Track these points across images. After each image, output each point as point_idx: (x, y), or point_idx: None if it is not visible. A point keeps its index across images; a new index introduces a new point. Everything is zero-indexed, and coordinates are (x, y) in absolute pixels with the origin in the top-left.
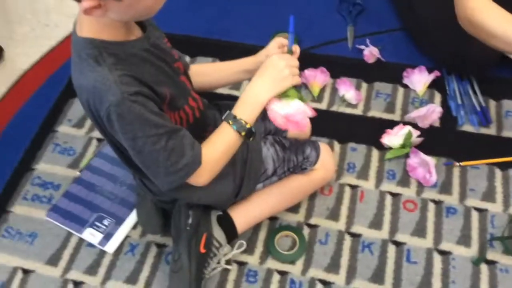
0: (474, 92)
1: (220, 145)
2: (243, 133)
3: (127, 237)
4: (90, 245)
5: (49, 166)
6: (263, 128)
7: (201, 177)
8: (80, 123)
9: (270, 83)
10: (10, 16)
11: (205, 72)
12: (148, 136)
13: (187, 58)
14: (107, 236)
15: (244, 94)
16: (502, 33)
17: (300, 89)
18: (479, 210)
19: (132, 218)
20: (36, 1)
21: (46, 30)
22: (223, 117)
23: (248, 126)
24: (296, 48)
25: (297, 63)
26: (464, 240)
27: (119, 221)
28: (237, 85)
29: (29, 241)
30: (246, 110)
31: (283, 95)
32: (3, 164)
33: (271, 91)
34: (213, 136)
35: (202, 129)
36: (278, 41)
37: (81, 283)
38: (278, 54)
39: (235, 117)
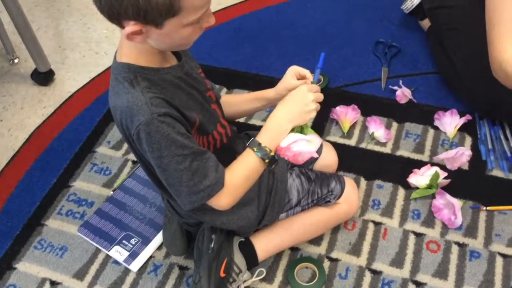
0: (506, 138)
1: (243, 171)
2: (266, 161)
3: (151, 257)
4: (116, 262)
5: (85, 184)
6: None
7: (223, 200)
8: (118, 145)
9: (295, 114)
10: (64, 43)
11: (233, 102)
12: (174, 156)
13: (224, 90)
14: (133, 255)
15: (268, 121)
16: None
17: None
18: (504, 256)
19: (158, 239)
20: (90, 31)
21: (96, 58)
22: (247, 144)
23: (272, 154)
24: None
25: (322, 98)
26: (487, 285)
27: (146, 241)
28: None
29: (59, 254)
30: (269, 138)
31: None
32: (43, 179)
33: (294, 121)
34: (237, 161)
35: (230, 155)
36: (294, 71)
37: None
38: (308, 85)
39: (259, 144)
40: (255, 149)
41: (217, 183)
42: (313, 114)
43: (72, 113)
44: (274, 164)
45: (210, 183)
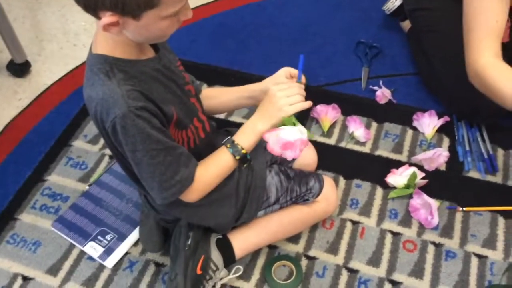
0: (483, 140)
1: (214, 167)
2: (237, 157)
3: (127, 253)
4: (90, 258)
5: (60, 178)
6: (270, 157)
7: (192, 194)
8: (95, 139)
9: (266, 115)
10: (42, 34)
11: (212, 95)
12: (148, 150)
13: (205, 85)
14: (108, 251)
15: (245, 123)
16: (509, 94)
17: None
18: (479, 256)
19: (134, 235)
20: (69, 22)
21: (73, 50)
22: (223, 142)
23: (243, 151)
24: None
25: (298, 91)
26: (462, 285)
27: (121, 237)
28: (250, 113)
29: (32, 249)
30: (243, 138)
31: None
32: (17, 173)
33: (267, 122)
34: (210, 157)
35: (210, 151)
36: (287, 71)
37: None
38: (279, 83)
39: (233, 141)
40: (228, 145)
41: (187, 179)
42: (284, 110)
43: (48, 105)
44: (247, 163)
45: (181, 179)
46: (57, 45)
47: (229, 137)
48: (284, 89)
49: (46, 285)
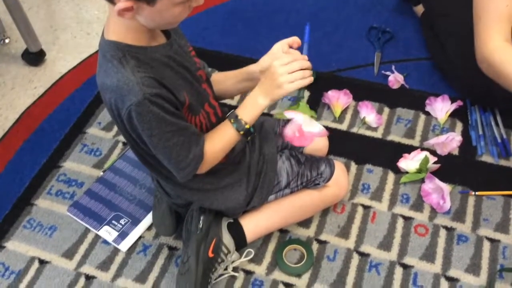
0: (496, 124)
1: (219, 141)
2: (241, 132)
3: (141, 237)
4: (105, 242)
5: (75, 164)
6: (281, 142)
7: (201, 168)
8: (109, 126)
9: (267, 89)
10: (56, 23)
11: (218, 80)
12: (164, 133)
13: (216, 72)
14: (122, 235)
15: (247, 97)
16: None
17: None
18: (491, 240)
19: (148, 219)
20: (82, 11)
21: (87, 38)
22: (226, 116)
23: (247, 126)
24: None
25: (301, 65)
26: (473, 269)
27: (135, 221)
28: None
29: (48, 234)
30: (246, 112)
31: (296, 108)
32: (33, 159)
33: (267, 97)
34: (215, 131)
35: None
36: (283, 44)
37: (93, 277)
38: (282, 57)
39: (236, 116)
40: (232, 120)
41: (200, 156)
42: (286, 87)
43: (62, 93)
44: (250, 136)
45: (194, 156)
46: (71, 34)
47: (232, 110)
48: (286, 65)
49: (62, 268)
